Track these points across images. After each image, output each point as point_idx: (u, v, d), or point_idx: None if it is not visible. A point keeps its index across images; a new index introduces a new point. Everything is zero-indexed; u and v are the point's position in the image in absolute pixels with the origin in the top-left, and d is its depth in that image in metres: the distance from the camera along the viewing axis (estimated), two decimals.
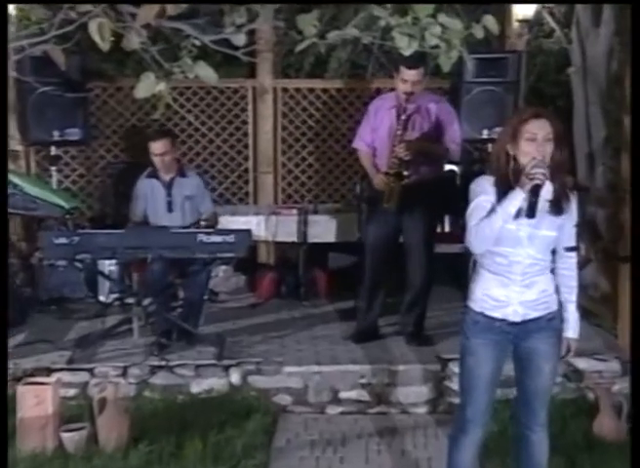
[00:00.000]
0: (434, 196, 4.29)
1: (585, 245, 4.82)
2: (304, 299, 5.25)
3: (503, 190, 2.52)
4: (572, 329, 2.68)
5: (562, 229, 2.60)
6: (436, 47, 1.45)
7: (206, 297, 4.62)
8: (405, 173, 4.13)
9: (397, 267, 4.42)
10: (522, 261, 2.57)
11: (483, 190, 2.55)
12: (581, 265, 4.88)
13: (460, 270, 5.08)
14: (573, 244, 2.66)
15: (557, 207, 2.56)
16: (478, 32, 1.47)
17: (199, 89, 5.90)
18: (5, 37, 1.78)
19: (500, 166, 2.57)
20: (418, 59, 4.00)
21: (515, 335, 2.64)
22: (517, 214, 2.52)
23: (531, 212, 2.48)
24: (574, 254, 2.68)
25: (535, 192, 2.46)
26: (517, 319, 2.61)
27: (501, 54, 5.42)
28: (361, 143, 4.42)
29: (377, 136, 4.30)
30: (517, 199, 2.48)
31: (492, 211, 2.51)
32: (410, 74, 4.09)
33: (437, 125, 4.22)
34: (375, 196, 4.30)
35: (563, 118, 6.41)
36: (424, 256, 4.29)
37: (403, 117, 4.12)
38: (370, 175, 4.37)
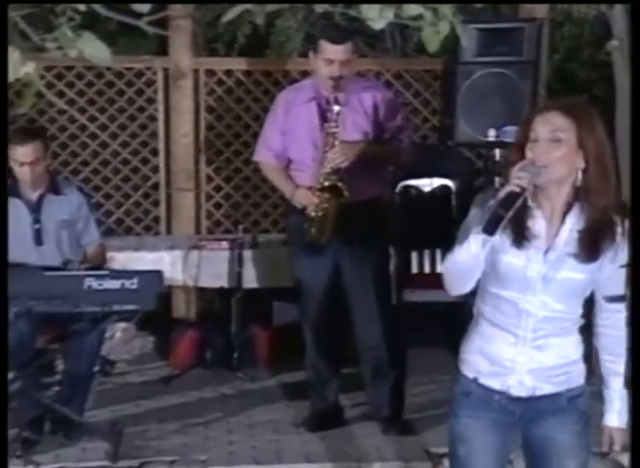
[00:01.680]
0: (384, 220, 4.36)
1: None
2: (238, 369, 5.23)
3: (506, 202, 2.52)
4: (616, 413, 2.68)
5: (599, 271, 2.58)
6: (418, 17, 1.47)
7: (97, 369, 4.55)
8: (342, 186, 4.15)
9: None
10: (534, 313, 2.57)
11: (482, 205, 2.55)
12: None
13: (458, 326, 5.11)
14: (619, 292, 2.63)
15: (590, 246, 2.52)
16: None
17: (86, 70, 5.88)
18: (5, 37, 1.82)
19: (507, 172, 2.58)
20: (345, 31, 4.06)
21: (522, 416, 2.64)
22: (485, 228, 2.46)
23: (488, 226, 2.44)
24: (621, 307, 2.65)
25: (507, 202, 2.42)
26: (522, 393, 2.61)
27: (514, 23, 5.50)
28: (267, 154, 4.43)
29: (291, 140, 4.33)
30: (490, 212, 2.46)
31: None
32: (336, 51, 4.13)
33: (376, 120, 4.29)
34: (298, 222, 4.32)
35: (601, 112, 6.56)
36: (377, 305, 4.32)
37: (334, 111, 4.15)
38: (287, 194, 4.39)
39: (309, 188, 4.23)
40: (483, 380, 2.64)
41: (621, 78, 5.09)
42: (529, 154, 2.49)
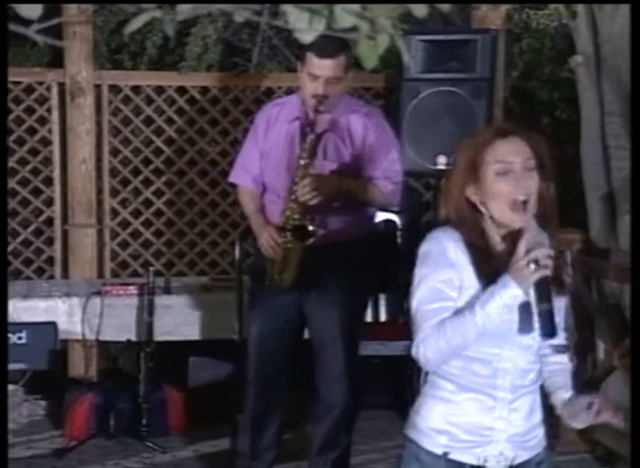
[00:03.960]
0: (359, 265, 4.34)
1: (605, 344, 4.95)
2: (147, 438, 5.16)
3: (479, 255, 2.54)
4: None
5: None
6: (353, 29, 1.47)
7: None
8: (310, 227, 4.17)
9: (300, 380, 4.43)
10: (511, 369, 2.59)
11: (443, 260, 2.54)
12: (601, 377, 5.03)
13: (403, 384, 5.13)
14: (562, 341, 2.69)
15: (556, 279, 2.56)
16: (419, 9, 1.49)
17: None
18: (5, 37, 1.80)
19: (463, 216, 2.59)
20: (336, 43, 4.07)
21: None
22: (523, 328, 2.50)
23: (549, 328, 2.47)
24: (565, 358, 2.74)
25: (543, 291, 2.45)
26: (501, 465, 2.62)
27: (465, 34, 5.61)
28: (244, 177, 4.44)
29: (269, 164, 4.34)
30: (511, 300, 2.45)
31: (465, 307, 2.49)
32: (322, 66, 4.15)
33: (364, 151, 4.28)
34: (262, 265, 4.33)
35: (564, 138, 6.66)
36: (344, 363, 4.31)
37: (311, 136, 4.16)
38: (254, 230, 4.40)
39: (278, 228, 4.20)
40: (454, 455, 2.60)
41: (587, 99, 5.13)
42: (502, 187, 2.51)
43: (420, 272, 2.57)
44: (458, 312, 2.50)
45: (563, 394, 2.67)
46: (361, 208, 4.36)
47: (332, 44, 4.11)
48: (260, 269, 4.36)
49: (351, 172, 4.25)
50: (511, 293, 2.44)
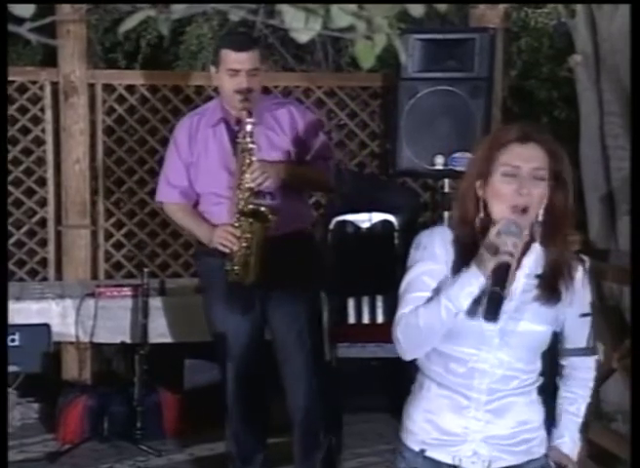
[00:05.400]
0: (317, 257, 4.39)
1: (605, 346, 4.94)
2: (142, 441, 5.16)
3: (466, 256, 2.55)
4: (571, 439, 2.74)
5: (559, 320, 2.65)
6: (349, 29, 1.46)
7: None
8: (268, 212, 4.15)
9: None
10: (489, 371, 2.59)
11: (429, 252, 2.59)
12: (600, 380, 5.02)
13: (402, 387, 5.12)
14: (582, 344, 2.72)
15: (551, 290, 2.59)
16: (416, 8, 1.49)
17: None
18: (5, 37, 1.83)
19: (465, 215, 2.61)
20: (248, 37, 4.14)
21: None
22: (472, 310, 2.53)
23: (491, 311, 2.49)
24: (588, 361, 2.76)
25: (499, 277, 2.47)
26: (477, 466, 2.62)
27: (463, 33, 5.60)
28: (171, 193, 4.40)
29: (200, 172, 4.33)
30: (473, 284, 2.49)
31: (434, 296, 2.53)
32: (240, 59, 4.17)
33: (295, 138, 4.33)
34: (214, 264, 4.29)
35: (563, 137, 6.66)
36: (309, 360, 4.32)
37: (246, 129, 4.14)
38: (202, 238, 4.35)
39: (232, 225, 4.20)
40: (430, 453, 2.64)
41: (586, 98, 5.14)
42: (505, 189, 2.53)
43: (408, 261, 2.63)
44: (429, 300, 2.55)
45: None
46: (306, 193, 4.50)
47: (244, 38, 4.28)
48: (211, 268, 4.34)
49: (287, 157, 4.30)
50: (472, 276, 2.48)
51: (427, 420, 2.65)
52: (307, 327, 4.32)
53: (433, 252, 2.59)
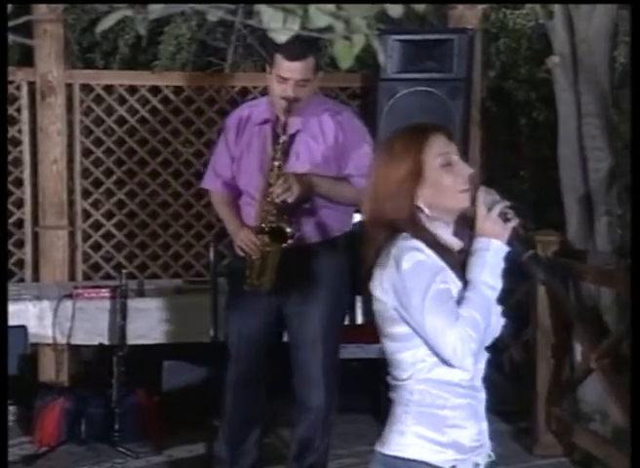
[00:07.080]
0: (339, 267, 4.35)
1: (583, 346, 4.98)
2: (120, 444, 5.15)
3: (445, 253, 2.56)
4: None
5: None
6: (328, 29, 1.47)
7: None
8: (288, 229, 4.17)
9: (278, 383, 4.42)
10: (482, 368, 2.63)
11: (431, 264, 2.53)
12: (578, 380, 5.05)
13: (381, 388, 5.12)
14: None
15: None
16: (394, 9, 1.50)
17: None
18: (5, 37, 1.85)
19: (412, 220, 2.58)
20: (305, 45, 4.07)
21: None
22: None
23: (538, 268, 2.59)
24: None
25: (520, 241, 2.55)
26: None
27: (442, 34, 5.63)
28: (215, 182, 4.46)
29: (242, 168, 4.35)
30: (491, 254, 2.50)
31: (466, 292, 2.51)
32: (292, 68, 4.15)
33: (337, 149, 4.29)
34: (239, 266, 4.32)
35: (542, 138, 6.67)
36: (324, 366, 4.31)
37: (283, 138, 4.17)
38: (230, 233, 4.41)
39: (255, 231, 4.20)
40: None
41: (564, 100, 5.16)
42: (448, 180, 2.56)
43: (418, 283, 2.52)
44: (459, 302, 2.52)
45: None
46: (336, 208, 4.35)
47: (300, 46, 4.11)
48: (236, 270, 4.36)
49: (324, 171, 4.27)
50: (495, 249, 2.51)
51: (453, 439, 2.56)
52: (323, 332, 4.30)
53: (435, 263, 2.54)
